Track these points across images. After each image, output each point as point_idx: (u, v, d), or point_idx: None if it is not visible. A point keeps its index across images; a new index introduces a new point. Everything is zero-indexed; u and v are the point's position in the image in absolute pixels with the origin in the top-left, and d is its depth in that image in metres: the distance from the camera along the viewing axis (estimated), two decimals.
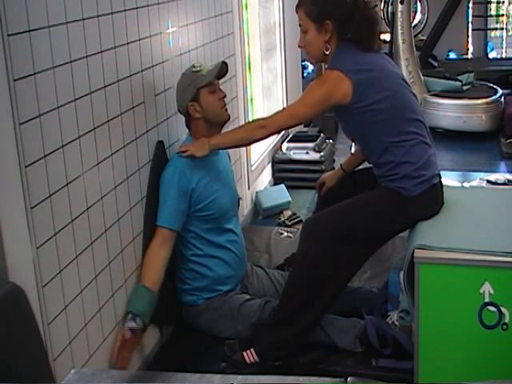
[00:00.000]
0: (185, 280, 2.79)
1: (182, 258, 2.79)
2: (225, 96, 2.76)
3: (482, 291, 2.18)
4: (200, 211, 2.69)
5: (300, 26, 2.54)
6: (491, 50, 9.07)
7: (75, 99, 2.07)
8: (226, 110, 2.78)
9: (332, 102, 2.46)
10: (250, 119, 4.29)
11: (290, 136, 5.16)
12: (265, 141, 4.98)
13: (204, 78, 2.69)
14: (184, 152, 2.64)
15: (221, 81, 2.82)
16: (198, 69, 2.72)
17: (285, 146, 4.97)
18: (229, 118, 2.80)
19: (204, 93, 2.69)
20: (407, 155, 2.45)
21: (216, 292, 2.78)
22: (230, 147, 2.83)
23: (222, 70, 2.74)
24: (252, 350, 2.57)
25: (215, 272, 2.78)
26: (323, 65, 2.71)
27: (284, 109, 2.58)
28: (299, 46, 2.62)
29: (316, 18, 2.47)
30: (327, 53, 2.50)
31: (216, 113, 2.73)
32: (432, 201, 2.53)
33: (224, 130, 2.81)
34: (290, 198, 4.41)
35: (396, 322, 2.58)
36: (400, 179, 2.46)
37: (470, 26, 8.82)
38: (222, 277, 2.79)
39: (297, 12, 2.55)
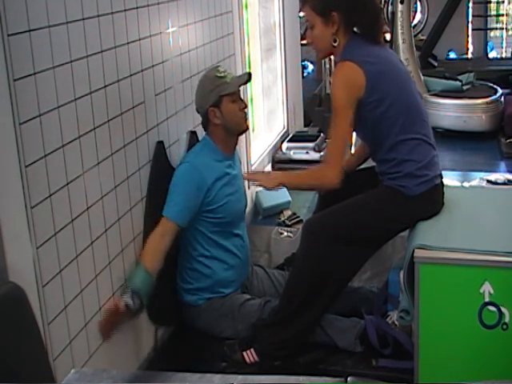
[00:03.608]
0: (188, 279, 2.79)
1: (187, 257, 2.78)
2: (246, 107, 2.75)
3: (481, 291, 2.18)
4: (211, 213, 2.68)
5: (307, 21, 2.55)
6: (491, 50, 9.07)
7: (75, 99, 2.07)
8: (246, 120, 2.77)
9: (356, 90, 2.39)
10: (250, 119, 4.30)
11: (290, 136, 5.16)
12: (265, 140, 5.01)
13: (228, 86, 2.66)
14: (254, 180, 2.66)
15: None
16: (223, 74, 2.69)
17: (285, 145, 4.97)
18: (247, 129, 2.80)
19: (226, 101, 2.67)
20: (411, 154, 2.44)
21: (217, 294, 2.78)
22: (297, 189, 2.89)
23: (247, 80, 2.74)
24: (252, 350, 2.57)
25: (219, 275, 2.77)
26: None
27: (329, 135, 2.56)
28: (307, 43, 2.61)
29: (321, 10, 2.47)
30: (335, 44, 2.50)
31: (236, 122, 2.72)
32: (433, 201, 2.53)
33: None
34: (290, 198, 4.41)
35: (396, 322, 2.58)
36: (402, 177, 2.45)
37: (470, 25, 8.82)
38: (225, 280, 2.79)
39: (302, 9, 2.55)
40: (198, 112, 2.77)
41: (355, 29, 2.51)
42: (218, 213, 2.69)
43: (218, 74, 2.69)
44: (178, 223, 2.55)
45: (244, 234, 2.90)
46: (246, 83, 2.77)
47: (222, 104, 2.67)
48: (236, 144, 2.82)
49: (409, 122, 2.45)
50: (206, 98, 2.68)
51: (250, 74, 2.75)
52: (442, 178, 2.56)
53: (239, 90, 2.75)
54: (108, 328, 2.19)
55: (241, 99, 2.74)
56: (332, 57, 2.71)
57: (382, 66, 2.46)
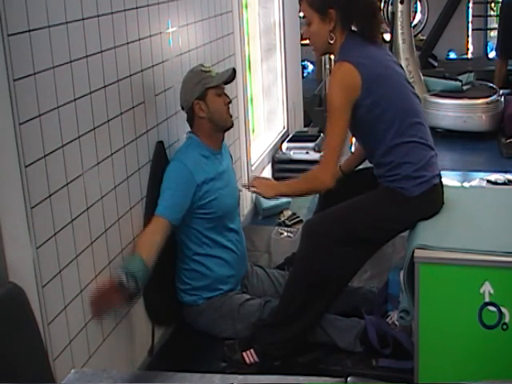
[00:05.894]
0: (185, 280, 2.79)
1: (183, 257, 2.79)
2: (230, 102, 2.76)
3: (482, 291, 2.18)
4: (203, 208, 2.69)
5: (304, 17, 2.55)
6: (491, 50, 9.06)
7: (75, 99, 2.07)
8: (231, 116, 2.78)
9: (352, 92, 2.39)
10: (250, 119, 4.30)
11: (290, 136, 5.16)
12: (265, 141, 5.01)
13: (213, 79, 2.70)
14: (253, 187, 2.61)
15: None
16: (208, 69, 2.73)
17: (285, 145, 4.97)
18: (232, 125, 2.81)
19: (211, 94, 2.69)
20: (407, 156, 2.45)
21: (216, 291, 2.78)
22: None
23: (231, 75, 2.75)
24: (252, 350, 2.56)
25: (216, 272, 2.78)
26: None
27: (324, 141, 2.57)
28: (304, 39, 2.61)
29: (319, 7, 2.47)
30: (332, 42, 2.50)
31: (222, 116, 2.73)
32: (432, 201, 2.53)
33: (226, 135, 2.84)
34: (290, 198, 4.41)
35: (396, 322, 2.58)
36: (400, 180, 2.45)
37: (470, 25, 8.82)
38: (223, 276, 2.79)
39: (300, 4, 2.55)
40: (183, 108, 2.77)
41: (353, 27, 2.52)
42: (209, 208, 2.70)
43: (203, 69, 2.73)
44: (168, 218, 2.52)
45: (239, 229, 2.90)
46: (231, 79, 2.77)
47: (207, 97, 2.69)
48: (223, 139, 2.83)
49: (405, 125, 2.45)
50: (191, 90, 2.70)
51: (234, 70, 2.75)
52: (440, 178, 2.56)
53: (224, 87, 2.75)
54: (100, 304, 2.12)
55: (225, 94, 2.76)
56: (332, 56, 2.71)
57: (379, 69, 2.46)
